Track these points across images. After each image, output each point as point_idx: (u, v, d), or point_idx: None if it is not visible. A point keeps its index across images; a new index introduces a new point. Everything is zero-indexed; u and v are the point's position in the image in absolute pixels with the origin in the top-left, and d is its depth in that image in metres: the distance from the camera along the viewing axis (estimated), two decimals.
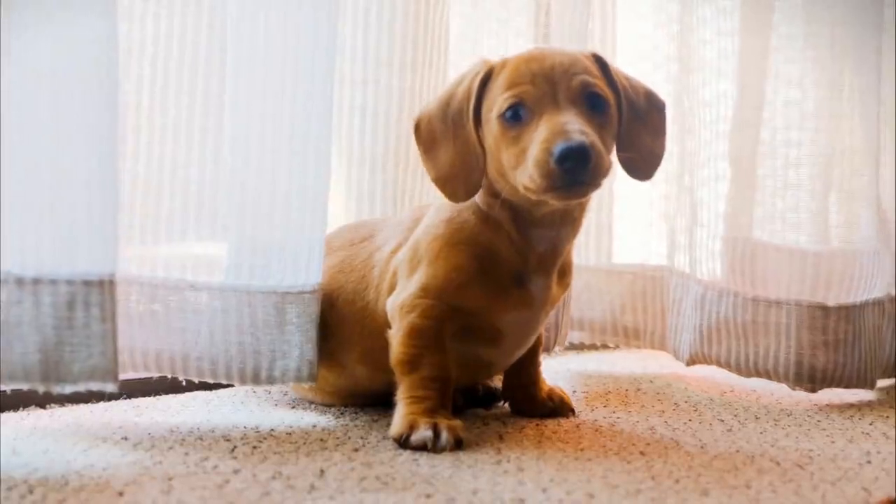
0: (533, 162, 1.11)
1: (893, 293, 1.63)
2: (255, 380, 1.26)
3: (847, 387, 1.53)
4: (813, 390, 1.53)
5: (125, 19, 1.25)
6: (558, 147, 1.08)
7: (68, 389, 1.08)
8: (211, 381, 1.27)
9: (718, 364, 1.58)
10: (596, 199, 1.72)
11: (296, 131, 1.25)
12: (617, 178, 1.75)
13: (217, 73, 1.27)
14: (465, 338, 1.23)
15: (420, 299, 1.21)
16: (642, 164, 1.24)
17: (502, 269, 1.21)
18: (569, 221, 1.23)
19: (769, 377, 1.54)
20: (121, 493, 0.96)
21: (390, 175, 1.51)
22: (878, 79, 1.59)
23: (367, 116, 1.46)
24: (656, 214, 1.75)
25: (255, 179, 1.25)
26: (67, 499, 0.94)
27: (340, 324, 1.29)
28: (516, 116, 1.15)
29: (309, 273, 1.27)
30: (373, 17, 1.47)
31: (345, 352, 1.29)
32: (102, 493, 0.96)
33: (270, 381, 1.27)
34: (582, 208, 1.24)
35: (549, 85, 1.15)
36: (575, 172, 1.09)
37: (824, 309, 1.52)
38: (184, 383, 1.34)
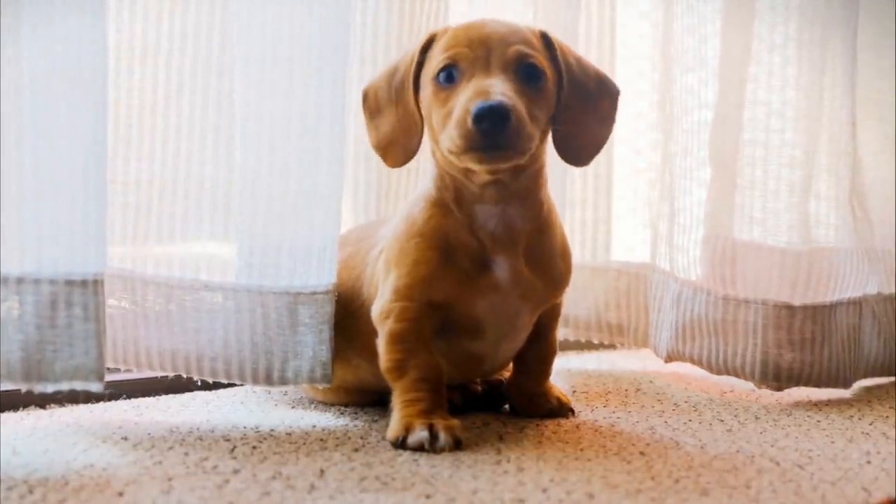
0: (454, 122, 1.12)
1: (887, 292, 1.64)
2: (268, 380, 1.27)
3: (816, 386, 1.53)
4: (779, 389, 1.53)
5: (140, 20, 1.26)
6: (476, 106, 1.09)
7: (50, 389, 1.09)
8: (225, 381, 1.28)
9: (692, 361, 1.58)
10: (592, 194, 1.74)
11: (307, 129, 1.25)
12: (615, 175, 1.77)
13: (229, 71, 1.28)
14: (447, 333, 1.23)
15: (394, 303, 1.21)
16: (580, 148, 1.25)
17: (461, 254, 1.21)
18: (513, 198, 1.21)
19: (737, 375, 1.54)
20: (121, 494, 0.96)
21: (374, 174, 1.52)
22: (853, 78, 1.59)
23: (350, 114, 1.45)
24: (647, 213, 1.74)
25: (266, 178, 1.25)
26: (67, 499, 0.94)
27: (345, 318, 1.29)
28: (449, 78, 1.16)
29: (321, 273, 1.27)
30: (357, 14, 1.46)
31: (348, 346, 1.29)
32: (102, 493, 0.96)
33: (283, 381, 1.27)
34: (528, 184, 1.22)
35: (483, 50, 1.16)
36: (492, 134, 1.09)
37: (790, 308, 1.52)
38: (185, 381, 1.35)
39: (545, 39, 1.22)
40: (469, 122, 1.10)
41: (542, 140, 1.21)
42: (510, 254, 1.22)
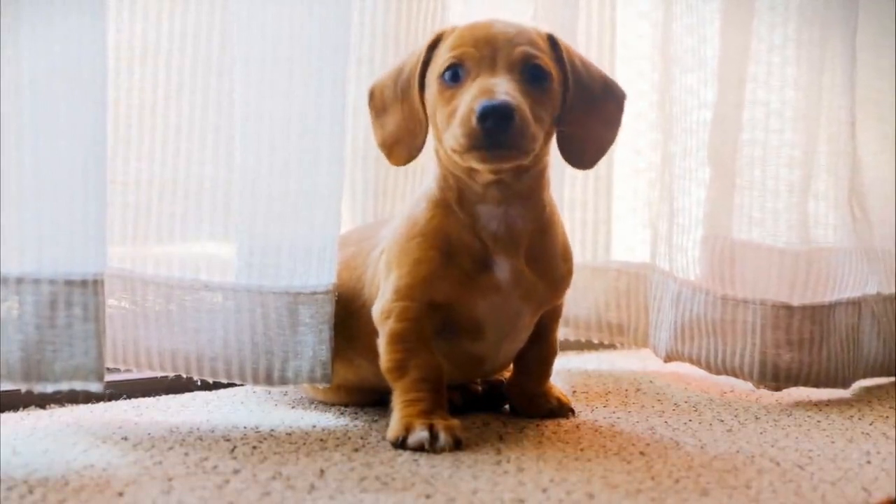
0: (458, 120, 1.13)
1: (886, 292, 1.64)
2: (268, 380, 1.27)
3: (815, 386, 1.53)
4: (777, 389, 1.53)
5: (140, 20, 1.26)
6: (480, 104, 1.10)
7: (50, 389, 1.09)
8: (225, 381, 1.28)
9: (691, 361, 1.58)
10: (592, 194, 1.74)
11: (307, 129, 1.25)
12: (615, 176, 1.77)
13: (229, 71, 1.28)
14: (448, 333, 1.23)
15: (395, 303, 1.21)
16: (584, 150, 1.25)
17: (462, 255, 1.21)
18: (516, 198, 1.21)
19: (736, 375, 1.55)
20: (121, 494, 0.96)
21: (371, 174, 1.52)
22: (852, 78, 1.59)
23: (348, 114, 1.44)
24: (647, 213, 1.74)
25: (266, 178, 1.25)
26: (67, 499, 0.94)
27: (346, 318, 1.29)
28: (455, 77, 1.17)
29: (321, 273, 1.27)
30: (355, 14, 1.46)
31: (350, 345, 1.30)
32: (102, 493, 0.96)
33: (283, 381, 1.27)
34: (531, 185, 1.22)
35: (490, 50, 1.16)
36: (495, 133, 1.10)
37: (788, 308, 1.52)
38: (185, 381, 1.35)
39: (551, 41, 1.22)
40: (473, 120, 1.10)
41: (546, 141, 1.22)
42: (511, 254, 1.22)
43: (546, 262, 1.25)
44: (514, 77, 1.15)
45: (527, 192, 1.22)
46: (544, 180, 1.25)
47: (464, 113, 1.12)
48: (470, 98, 1.13)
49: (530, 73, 1.17)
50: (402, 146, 1.24)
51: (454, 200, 1.22)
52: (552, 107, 1.19)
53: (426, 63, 1.22)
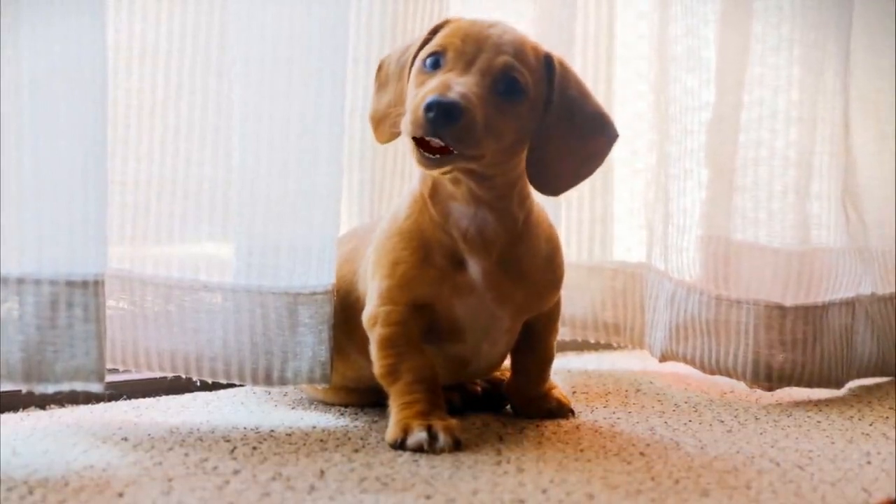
0: (412, 106, 1.12)
1: (881, 293, 1.65)
2: (268, 381, 1.27)
3: (808, 386, 1.54)
4: (770, 389, 1.54)
5: (139, 20, 1.26)
6: (431, 97, 1.09)
7: (51, 389, 1.09)
8: (224, 381, 1.28)
9: (685, 361, 1.59)
10: (588, 193, 1.74)
11: (306, 130, 1.25)
12: (614, 176, 1.77)
13: (228, 71, 1.28)
14: (430, 336, 1.23)
15: (381, 307, 1.21)
16: (557, 177, 1.22)
17: (437, 252, 1.21)
18: (484, 203, 1.20)
19: (729, 375, 1.55)
20: (121, 494, 0.96)
21: (367, 174, 1.52)
22: (845, 81, 1.60)
23: (344, 115, 1.45)
24: (644, 214, 1.74)
25: (265, 178, 1.25)
26: (67, 499, 0.94)
27: (344, 311, 1.29)
28: (435, 64, 1.16)
29: (321, 273, 1.27)
30: (352, 14, 1.46)
31: (347, 339, 1.30)
32: (102, 494, 0.96)
33: (283, 382, 1.27)
34: (498, 195, 1.20)
35: (474, 49, 1.15)
36: (438, 127, 1.09)
37: (781, 308, 1.52)
38: (184, 381, 1.35)
39: (547, 61, 1.20)
40: (420, 108, 1.10)
41: (512, 156, 1.19)
42: (483, 256, 1.21)
43: (524, 272, 1.24)
44: (484, 82, 1.13)
45: (494, 201, 1.21)
46: (515, 192, 1.22)
47: (416, 100, 1.12)
48: (427, 88, 1.12)
49: (505, 85, 1.15)
50: (386, 123, 1.24)
51: (429, 195, 1.22)
52: (519, 124, 1.17)
53: (425, 46, 1.21)
